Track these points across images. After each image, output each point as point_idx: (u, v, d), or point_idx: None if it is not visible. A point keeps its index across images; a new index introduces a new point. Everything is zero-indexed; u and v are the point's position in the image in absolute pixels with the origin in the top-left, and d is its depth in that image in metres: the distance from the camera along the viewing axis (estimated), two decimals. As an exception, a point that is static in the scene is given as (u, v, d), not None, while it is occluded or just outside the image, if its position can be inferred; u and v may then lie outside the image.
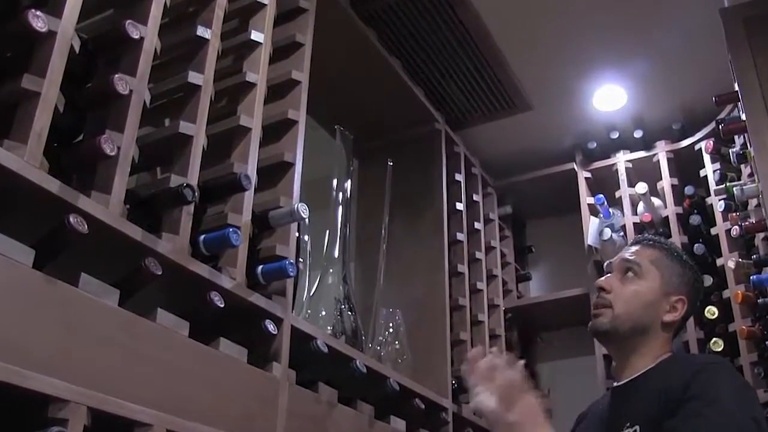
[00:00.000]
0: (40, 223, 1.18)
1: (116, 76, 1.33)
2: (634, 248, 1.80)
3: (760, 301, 2.56)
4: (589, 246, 3.31)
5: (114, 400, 1.22)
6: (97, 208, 1.28)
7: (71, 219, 1.17)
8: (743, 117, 2.42)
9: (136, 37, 1.42)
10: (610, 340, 1.76)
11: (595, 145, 3.47)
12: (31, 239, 1.16)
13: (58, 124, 1.24)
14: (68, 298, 1.19)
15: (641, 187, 3.21)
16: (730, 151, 2.77)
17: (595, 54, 2.97)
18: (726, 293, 2.86)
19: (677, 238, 3.09)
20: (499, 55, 2.91)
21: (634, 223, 3.26)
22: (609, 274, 1.78)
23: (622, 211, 3.32)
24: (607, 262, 1.84)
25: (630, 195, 3.32)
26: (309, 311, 2.11)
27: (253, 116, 1.78)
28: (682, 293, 1.75)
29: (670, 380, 1.57)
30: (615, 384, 1.77)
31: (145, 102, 1.45)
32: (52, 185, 1.19)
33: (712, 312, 2.87)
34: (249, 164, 1.72)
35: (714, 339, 2.86)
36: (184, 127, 1.57)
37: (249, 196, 1.69)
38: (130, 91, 1.38)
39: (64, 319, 1.17)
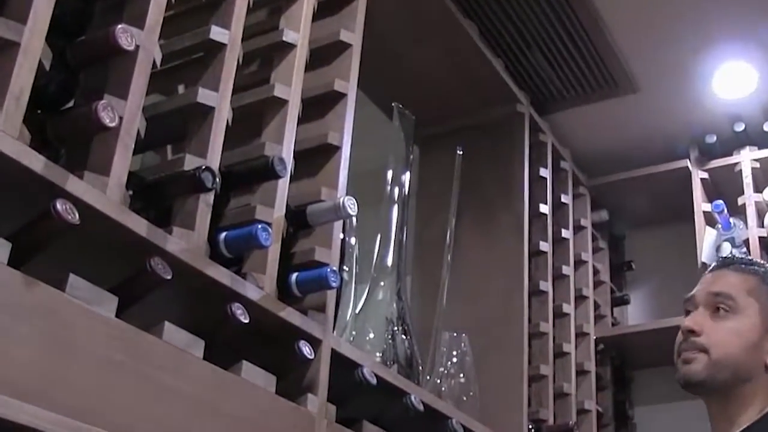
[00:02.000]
0: (18, 210, 1.17)
1: (119, 26, 1.30)
2: (721, 276, 1.80)
3: None
4: (704, 264, 3.26)
5: None
6: (92, 192, 1.26)
7: (58, 205, 1.15)
8: None
9: (146, -23, 1.41)
10: (705, 392, 1.75)
11: (715, 139, 3.43)
12: (7, 230, 1.16)
13: (44, 85, 1.23)
14: (53, 306, 1.17)
15: (770, 194, 3.17)
16: None
17: (719, 24, 2.92)
18: None
19: (812, 259, 3.03)
20: (599, 23, 2.88)
21: (760, 237, 3.21)
22: (694, 311, 1.77)
23: (745, 221, 3.28)
24: (690, 294, 1.82)
25: (756, 202, 3.28)
26: (354, 332, 2.11)
27: (290, 85, 1.77)
28: None
29: None
30: None
31: (155, 62, 1.44)
32: (35, 162, 1.17)
33: None
34: (284, 145, 1.72)
35: None
36: (204, 95, 1.56)
37: (283, 186, 1.68)
38: (137, 46, 1.36)
39: (48, 332, 1.15)
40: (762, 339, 1.72)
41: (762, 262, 1.91)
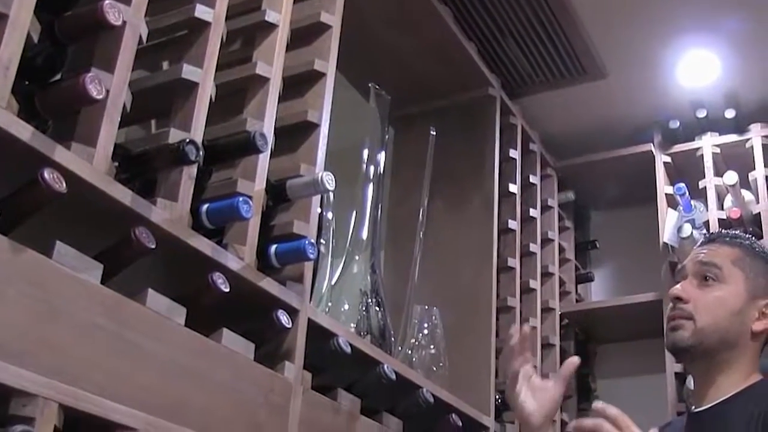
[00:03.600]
0: (6, 178, 1.17)
1: (107, 2, 1.28)
2: (709, 248, 1.82)
3: None
4: (665, 244, 3.28)
5: (91, 397, 1.20)
6: (79, 162, 1.25)
7: (46, 174, 1.14)
8: None
9: (133, -44, 1.39)
10: (692, 358, 1.76)
11: (678, 124, 3.44)
12: None
13: (32, 57, 1.22)
14: (39, 271, 1.16)
15: (730, 177, 3.16)
16: (837, 138, 2.72)
17: (683, 13, 2.91)
18: (827, 307, 2.79)
19: (770, 239, 3.05)
20: (570, 12, 2.86)
21: (720, 219, 3.21)
22: (683, 281, 1.79)
23: (705, 204, 3.29)
24: (679, 266, 1.89)
25: (716, 186, 3.28)
26: (330, 304, 2.10)
27: (272, 64, 1.77)
28: None
29: (763, 406, 1.59)
30: (695, 409, 1.77)
31: (141, 37, 1.42)
32: (23, 132, 1.16)
33: (809, 328, 2.80)
34: (265, 121, 1.71)
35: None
36: (188, 71, 1.55)
37: (264, 161, 1.68)
38: (124, 22, 1.35)
39: (34, 296, 1.15)
40: (747, 307, 1.74)
41: (747, 235, 1.92)
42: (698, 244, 1.88)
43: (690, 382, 2.84)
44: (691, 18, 2.93)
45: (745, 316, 1.73)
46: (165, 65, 1.67)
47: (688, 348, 1.72)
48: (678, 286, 1.77)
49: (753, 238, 1.92)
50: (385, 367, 1.94)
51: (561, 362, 3.13)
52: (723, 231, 1.96)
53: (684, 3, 2.86)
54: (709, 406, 1.71)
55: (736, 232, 1.89)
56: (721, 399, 1.70)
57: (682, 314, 1.73)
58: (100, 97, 1.24)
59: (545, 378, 1.80)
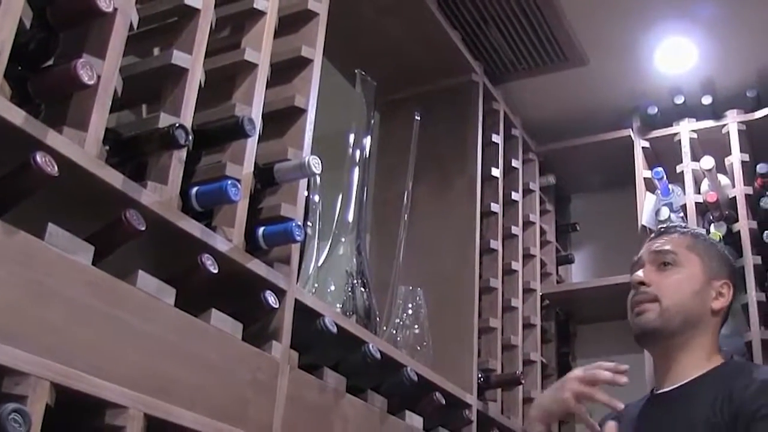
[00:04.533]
0: None
1: (98, -12, 1.28)
2: (663, 238, 1.86)
3: (837, 295, 2.51)
4: (643, 227, 3.28)
5: (82, 376, 1.19)
6: (70, 146, 1.25)
7: (38, 158, 1.13)
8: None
9: (125, -56, 1.37)
10: (659, 339, 1.78)
11: (656, 110, 3.43)
12: None
13: (24, 43, 1.21)
14: (32, 253, 1.16)
15: (707, 162, 3.17)
16: (811, 124, 2.73)
17: (661, 2, 2.91)
18: (797, 288, 2.83)
19: (745, 223, 3.06)
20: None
21: (697, 203, 3.23)
22: (642, 269, 1.82)
23: (683, 188, 3.30)
24: (635, 258, 1.88)
25: (693, 170, 3.29)
26: (316, 285, 2.09)
27: (260, 51, 1.76)
28: (725, 277, 1.83)
29: (731, 388, 1.60)
30: (657, 390, 1.80)
31: (132, 24, 1.42)
32: (16, 116, 1.16)
33: (781, 307, 2.84)
34: (253, 107, 1.70)
35: (783, 339, 2.83)
36: (178, 57, 1.54)
37: (252, 145, 1.67)
38: (115, 9, 1.34)
39: (26, 277, 1.14)
40: (705, 287, 1.78)
41: (696, 228, 1.96)
42: (649, 238, 1.92)
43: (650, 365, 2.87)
44: (669, 6, 2.93)
45: (704, 297, 1.77)
46: (155, 51, 1.66)
47: (655, 330, 1.74)
48: (639, 271, 1.80)
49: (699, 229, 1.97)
50: (371, 346, 1.93)
51: (542, 342, 3.18)
52: (672, 225, 1.99)
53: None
54: (673, 387, 1.74)
55: (685, 225, 1.94)
56: (687, 380, 1.72)
57: (646, 297, 1.76)
58: (91, 82, 1.23)
59: None
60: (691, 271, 1.79)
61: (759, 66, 3.19)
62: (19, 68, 1.22)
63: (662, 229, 1.93)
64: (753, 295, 2.91)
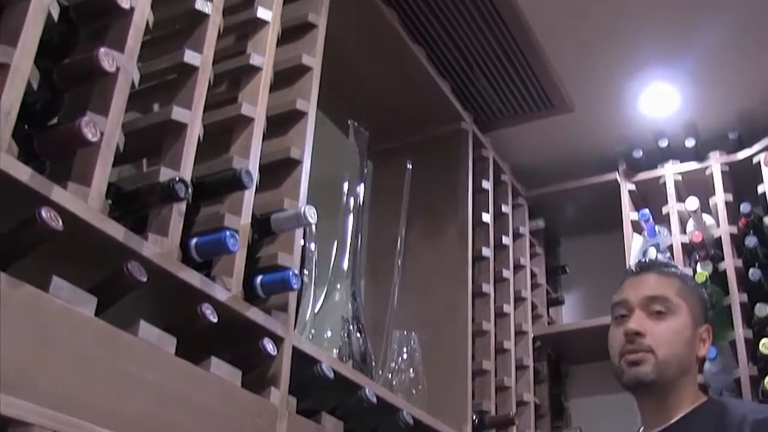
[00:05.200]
0: (5, 217, 1.16)
1: (102, 50, 1.29)
2: (647, 279, 1.80)
3: (822, 334, 2.51)
4: (640, 261, 3.26)
5: (86, 425, 1.18)
6: (75, 201, 1.26)
7: (44, 213, 1.14)
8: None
9: (127, 6, 1.39)
10: (653, 390, 1.73)
11: (641, 153, 3.46)
12: None
13: (31, 103, 1.22)
14: (37, 305, 1.16)
15: (692, 203, 3.19)
16: (793, 165, 2.74)
17: (644, 49, 2.95)
18: (784, 325, 2.82)
19: (731, 262, 3.07)
20: (536, 48, 2.89)
21: (683, 243, 3.23)
22: (632, 315, 1.76)
23: (669, 229, 3.30)
24: (620, 298, 1.81)
25: (679, 211, 3.30)
26: (313, 331, 2.09)
27: (256, 105, 1.77)
28: (706, 322, 1.81)
29: (725, 424, 1.60)
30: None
31: (133, 82, 1.43)
32: (23, 173, 1.17)
33: (767, 346, 2.82)
34: (250, 159, 1.71)
35: (769, 376, 2.83)
36: (178, 113, 1.55)
37: (249, 196, 1.68)
38: (117, 68, 1.35)
39: (31, 329, 1.14)
40: (694, 335, 1.76)
41: (674, 264, 1.93)
42: (630, 274, 1.85)
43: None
44: (651, 53, 2.96)
45: (693, 344, 1.75)
46: (156, 107, 1.67)
47: (651, 382, 1.69)
48: (632, 320, 1.73)
49: (677, 267, 1.94)
50: (367, 390, 1.93)
51: (535, 382, 3.16)
52: (652, 261, 1.95)
53: (644, 40, 2.89)
54: (663, 427, 1.71)
55: (664, 261, 1.89)
56: (676, 419, 1.70)
57: (641, 347, 1.70)
58: (95, 139, 1.24)
59: None
60: (683, 320, 1.74)
61: (739, 108, 3.21)
62: (26, 127, 1.23)
63: (642, 265, 1.88)
64: (740, 333, 2.90)
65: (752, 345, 2.87)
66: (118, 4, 1.37)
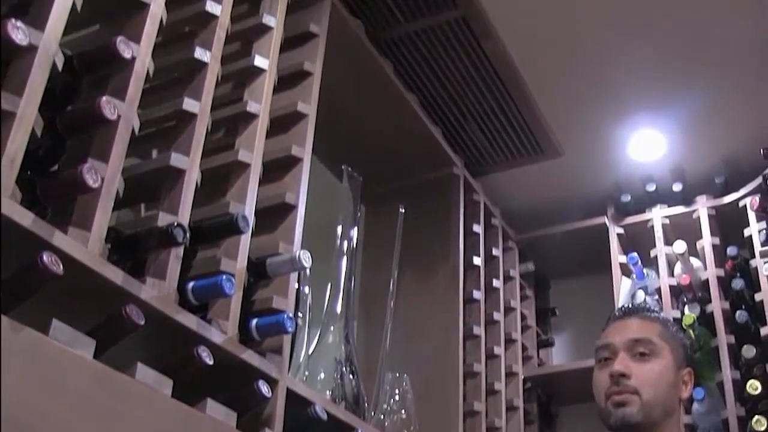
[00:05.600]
0: (8, 261, 1.16)
1: (104, 98, 1.31)
2: (631, 324, 1.82)
3: (808, 376, 2.52)
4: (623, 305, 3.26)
5: None
6: (75, 246, 1.26)
7: (45, 257, 1.15)
8: (794, 172, 2.42)
9: (128, 56, 1.41)
10: (637, 431, 1.74)
11: (630, 198, 3.47)
12: None
13: (34, 150, 1.23)
14: (37, 348, 1.16)
15: (679, 246, 3.20)
16: (777, 209, 2.76)
17: (632, 97, 2.98)
18: (771, 366, 2.83)
19: (718, 304, 3.08)
20: (526, 95, 2.91)
21: (671, 286, 3.24)
22: (617, 357, 1.77)
23: (657, 271, 3.31)
24: (604, 342, 1.83)
25: (667, 254, 3.30)
26: (307, 372, 2.08)
27: (253, 151, 1.78)
28: (688, 365, 1.83)
29: None
30: None
31: (133, 129, 1.44)
32: (25, 218, 1.18)
33: (754, 387, 2.84)
34: (247, 204, 1.71)
35: (756, 417, 2.82)
36: (176, 159, 1.56)
37: (245, 240, 1.68)
38: (119, 116, 1.36)
39: (32, 372, 1.14)
40: (677, 377, 1.77)
41: (656, 308, 1.95)
42: (613, 319, 1.88)
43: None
44: (639, 101, 2.99)
45: (676, 386, 1.77)
46: (154, 153, 1.68)
47: (638, 424, 1.70)
48: (618, 362, 1.75)
49: (659, 311, 1.96)
50: (360, 431, 1.93)
51: (525, 423, 3.14)
52: (635, 305, 1.97)
53: (633, 87, 2.93)
54: None
55: (646, 305, 1.91)
56: None
57: (627, 389, 1.72)
58: (96, 185, 1.25)
59: None
60: (666, 362, 1.76)
61: (725, 153, 3.23)
62: (29, 173, 1.24)
63: (626, 310, 1.90)
64: (728, 374, 2.92)
65: (740, 386, 2.88)
66: (121, 54, 1.39)
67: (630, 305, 1.97)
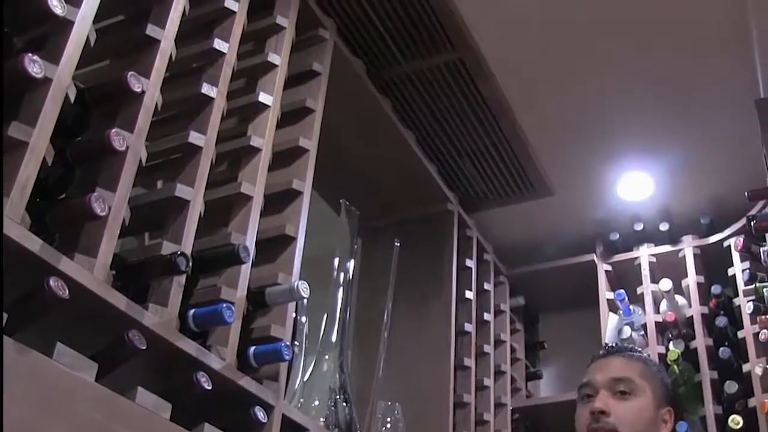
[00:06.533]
0: (16, 285, 1.16)
1: (113, 130, 1.33)
2: (612, 362, 1.83)
3: (788, 411, 2.51)
4: (606, 345, 3.25)
5: None
6: (81, 272, 1.27)
7: (52, 282, 1.15)
8: (776, 214, 2.43)
9: (138, 90, 1.42)
10: None
11: (618, 236, 3.48)
12: (5, 301, 1.14)
13: (44, 178, 1.24)
14: (41, 370, 1.16)
15: (665, 284, 3.20)
16: (761, 249, 2.76)
17: (622, 139, 3.00)
18: (752, 402, 2.81)
19: (702, 340, 3.07)
20: (520, 136, 2.93)
21: (656, 322, 3.22)
22: (597, 395, 1.77)
23: (643, 308, 3.30)
24: (587, 380, 1.84)
25: (653, 291, 3.30)
26: (302, 399, 2.09)
27: (255, 184, 1.79)
28: (668, 404, 1.82)
29: None
30: None
31: (141, 160, 1.45)
32: (33, 244, 1.18)
33: (736, 421, 2.82)
34: (248, 235, 1.72)
35: (739, 452, 2.81)
36: (181, 190, 1.57)
37: (246, 270, 1.68)
38: (127, 147, 1.38)
39: (35, 393, 1.14)
40: (656, 415, 1.77)
41: (639, 348, 1.95)
42: (597, 358, 1.88)
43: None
44: (629, 144, 3.01)
45: (655, 424, 1.77)
46: (159, 184, 1.68)
47: None
48: (598, 400, 1.75)
49: (642, 351, 1.95)
50: (352, 459, 1.93)
51: (513, 455, 3.13)
52: (618, 345, 1.97)
53: (622, 132, 2.95)
54: None
55: (628, 345, 1.91)
56: None
57: (606, 426, 1.71)
58: (103, 214, 1.26)
59: None
60: (645, 401, 1.76)
61: (711, 195, 3.24)
62: (38, 200, 1.25)
63: (609, 350, 1.91)
64: (710, 408, 2.90)
65: (722, 420, 2.87)
66: (131, 88, 1.41)
67: (614, 344, 1.97)
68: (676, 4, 2.47)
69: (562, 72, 2.73)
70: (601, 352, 1.91)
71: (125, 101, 1.46)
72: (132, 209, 1.44)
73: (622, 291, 3.30)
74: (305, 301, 1.98)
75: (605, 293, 3.40)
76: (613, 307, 3.37)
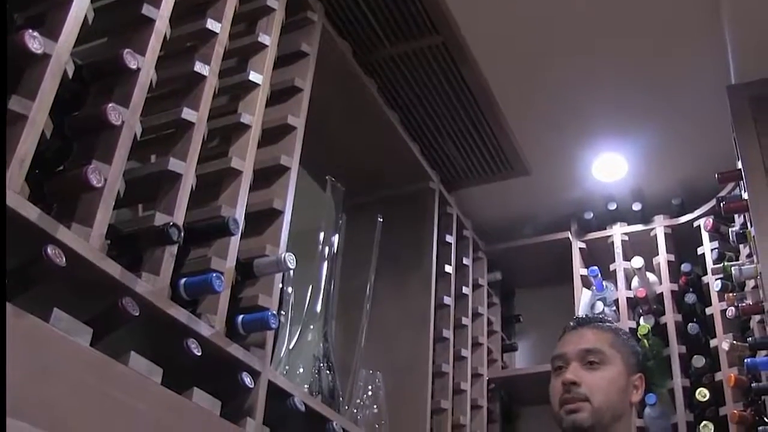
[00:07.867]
0: (14, 252, 1.16)
1: (110, 105, 1.33)
2: (584, 334, 1.84)
3: (753, 385, 2.54)
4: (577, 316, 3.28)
5: None
6: (77, 240, 1.27)
7: (49, 250, 1.16)
8: (745, 196, 2.47)
9: (134, 67, 1.43)
10: None
11: (592, 215, 3.50)
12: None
13: (43, 151, 1.24)
14: (38, 334, 1.16)
15: (637, 262, 3.23)
16: (729, 230, 2.80)
17: (598, 122, 3.03)
18: (718, 375, 2.86)
19: (671, 316, 3.11)
20: (500, 117, 2.94)
21: (628, 298, 3.26)
22: (568, 366, 1.79)
23: (615, 284, 3.33)
24: (559, 352, 1.84)
25: (625, 269, 3.33)
26: (287, 367, 2.09)
27: (245, 159, 1.79)
28: (639, 371, 1.83)
29: None
30: None
31: (135, 135, 1.45)
32: (31, 213, 1.19)
33: (703, 394, 2.86)
34: (237, 208, 1.73)
35: (704, 422, 2.84)
36: (174, 164, 1.57)
37: (235, 242, 1.69)
38: (122, 122, 1.38)
39: (31, 356, 1.15)
40: (627, 383, 1.78)
41: (609, 319, 1.96)
42: (568, 330, 1.88)
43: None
44: (603, 126, 3.04)
45: (626, 392, 1.78)
46: (153, 158, 1.69)
47: (589, 428, 1.71)
48: (569, 371, 1.77)
49: (612, 321, 1.97)
50: (334, 424, 1.94)
51: (488, 422, 3.15)
52: (588, 316, 1.98)
53: (597, 114, 2.97)
54: None
55: (600, 316, 1.92)
56: None
57: (578, 397, 1.73)
58: (99, 185, 1.27)
59: None
60: (616, 370, 1.77)
61: (682, 177, 3.27)
62: (37, 171, 1.25)
63: (579, 321, 1.92)
64: (678, 382, 2.95)
65: (689, 393, 2.92)
66: (127, 65, 1.41)
67: (584, 316, 1.98)
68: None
69: (541, 58, 2.74)
70: (571, 323, 1.91)
71: (121, 78, 1.46)
72: (127, 182, 1.44)
73: (596, 268, 3.33)
74: (291, 272, 1.97)
75: (579, 269, 3.43)
76: (586, 283, 3.40)
